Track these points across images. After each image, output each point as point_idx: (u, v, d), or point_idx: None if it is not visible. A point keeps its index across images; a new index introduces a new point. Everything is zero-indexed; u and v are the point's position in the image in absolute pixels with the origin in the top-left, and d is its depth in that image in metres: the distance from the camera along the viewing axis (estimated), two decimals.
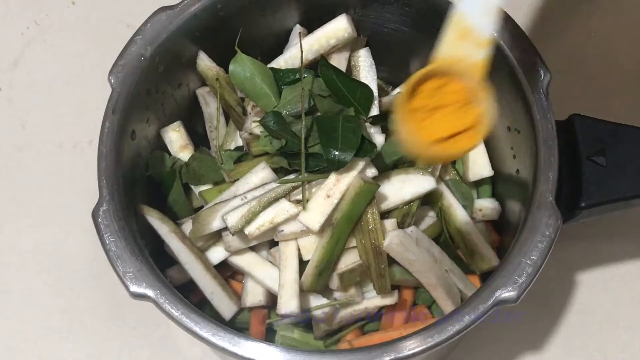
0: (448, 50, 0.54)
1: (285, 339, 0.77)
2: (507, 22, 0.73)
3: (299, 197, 0.73)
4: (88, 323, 0.88)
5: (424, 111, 0.54)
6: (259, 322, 0.77)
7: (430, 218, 0.79)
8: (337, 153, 0.72)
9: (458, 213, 0.78)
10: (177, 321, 0.65)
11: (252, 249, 0.77)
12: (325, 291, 0.75)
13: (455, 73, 0.54)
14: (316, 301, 0.75)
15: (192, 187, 0.81)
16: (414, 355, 0.62)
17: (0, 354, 0.87)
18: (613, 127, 0.72)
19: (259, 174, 0.75)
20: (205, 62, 0.80)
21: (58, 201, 0.93)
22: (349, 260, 0.74)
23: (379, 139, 0.75)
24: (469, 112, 0.54)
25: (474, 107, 0.54)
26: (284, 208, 0.73)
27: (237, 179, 0.76)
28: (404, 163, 0.76)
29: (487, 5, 0.55)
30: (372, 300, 0.76)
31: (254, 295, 0.77)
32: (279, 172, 0.76)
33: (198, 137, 0.84)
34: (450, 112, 0.55)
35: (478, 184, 0.82)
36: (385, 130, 0.76)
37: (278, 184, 0.73)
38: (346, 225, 0.72)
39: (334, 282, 0.74)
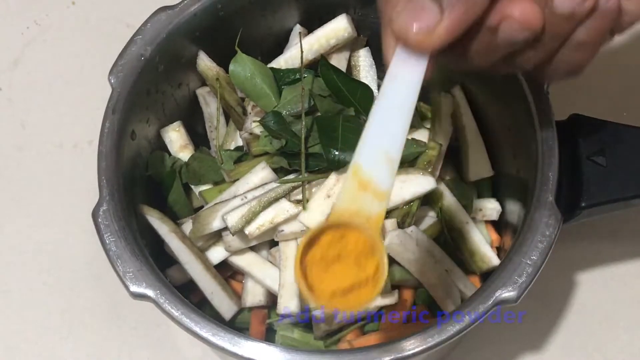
0: (346, 202, 0.52)
1: (285, 339, 0.77)
2: None
3: (299, 197, 0.73)
4: (88, 323, 0.88)
5: (323, 263, 0.53)
6: (259, 322, 0.77)
7: (430, 218, 0.79)
8: (337, 153, 0.72)
9: (458, 213, 0.78)
10: (177, 321, 0.64)
11: (252, 249, 0.77)
12: None
13: (352, 224, 0.52)
14: None
15: (192, 187, 0.81)
16: (414, 355, 0.62)
17: (0, 354, 0.87)
18: (613, 127, 0.72)
19: (259, 174, 0.75)
20: (205, 62, 0.80)
21: (58, 201, 0.93)
22: None
23: None
24: (367, 264, 0.53)
25: (372, 258, 0.53)
26: (284, 208, 0.73)
27: (237, 179, 0.76)
28: (404, 163, 0.76)
29: (384, 156, 0.53)
30: None
31: (254, 295, 0.77)
32: (279, 172, 0.75)
33: (198, 137, 0.84)
34: (350, 264, 0.53)
35: (478, 184, 0.82)
36: None
37: (278, 184, 0.73)
38: None
39: None
